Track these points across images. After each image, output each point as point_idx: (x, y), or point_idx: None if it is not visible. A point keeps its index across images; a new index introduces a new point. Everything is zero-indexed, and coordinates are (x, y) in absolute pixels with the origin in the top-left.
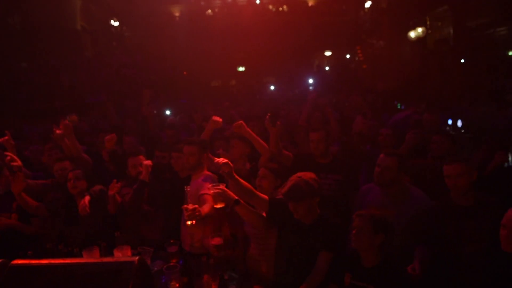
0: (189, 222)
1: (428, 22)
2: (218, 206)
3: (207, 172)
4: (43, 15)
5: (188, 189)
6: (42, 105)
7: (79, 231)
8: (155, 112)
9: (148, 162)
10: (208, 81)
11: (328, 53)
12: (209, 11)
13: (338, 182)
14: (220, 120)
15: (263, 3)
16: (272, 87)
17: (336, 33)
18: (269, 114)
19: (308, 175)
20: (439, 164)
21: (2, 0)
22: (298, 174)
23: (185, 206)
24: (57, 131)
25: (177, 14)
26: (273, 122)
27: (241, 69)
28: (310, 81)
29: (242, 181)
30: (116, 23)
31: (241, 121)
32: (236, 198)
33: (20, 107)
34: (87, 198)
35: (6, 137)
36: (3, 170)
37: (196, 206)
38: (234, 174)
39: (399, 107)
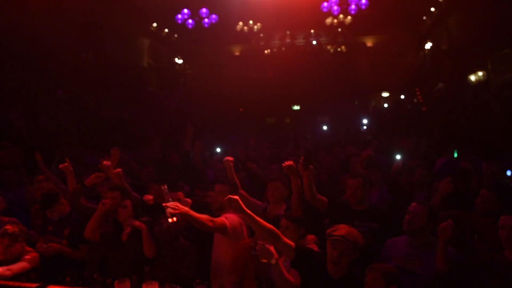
0: (170, 220)
1: (490, 66)
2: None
3: (231, 211)
4: (115, 52)
5: (164, 187)
6: (104, 136)
7: (122, 260)
8: (200, 148)
9: (188, 200)
10: (263, 118)
11: (385, 94)
12: (268, 50)
13: (373, 231)
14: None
15: (320, 43)
16: (324, 127)
17: (394, 74)
18: (302, 157)
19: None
20: (484, 220)
21: (78, 37)
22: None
23: (165, 204)
24: (104, 162)
25: (237, 53)
26: (306, 165)
27: (296, 107)
28: (365, 121)
29: (264, 222)
30: (180, 61)
31: (291, 163)
32: (276, 256)
33: (84, 138)
34: (129, 229)
35: (66, 164)
36: (59, 197)
37: (177, 202)
38: (250, 213)
39: (456, 155)
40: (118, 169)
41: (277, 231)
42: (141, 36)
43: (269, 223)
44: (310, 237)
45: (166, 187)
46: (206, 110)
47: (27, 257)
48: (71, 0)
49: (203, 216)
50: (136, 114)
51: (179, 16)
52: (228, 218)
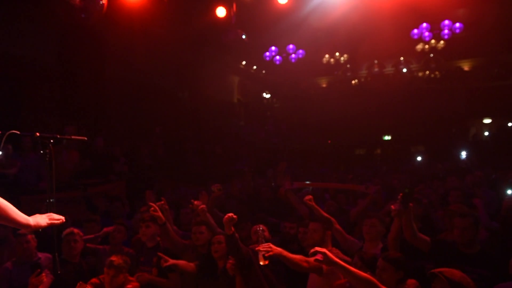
0: (261, 262)
1: None
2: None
3: (332, 249)
4: (208, 90)
5: (259, 228)
6: (197, 170)
7: None
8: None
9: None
10: (352, 149)
11: (487, 121)
12: (355, 81)
13: (485, 279)
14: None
15: (411, 71)
16: (419, 158)
17: (496, 99)
18: (401, 194)
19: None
20: None
21: (175, 78)
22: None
23: (258, 247)
24: (195, 202)
25: (324, 85)
26: (405, 203)
27: (387, 137)
28: (464, 152)
29: (358, 272)
30: (267, 95)
31: (400, 206)
32: None
33: (180, 171)
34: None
35: (162, 202)
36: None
37: (270, 244)
38: (342, 264)
39: None
40: (203, 205)
41: (373, 280)
42: (231, 74)
43: (366, 263)
44: (411, 281)
45: (261, 227)
46: (294, 142)
47: (129, 286)
48: (169, 44)
49: (297, 257)
50: (227, 148)
51: (267, 53)
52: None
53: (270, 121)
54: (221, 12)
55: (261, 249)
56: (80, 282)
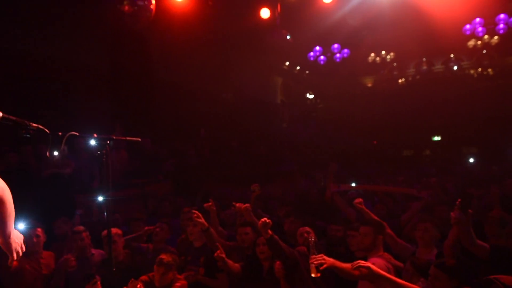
0: (313, 274)
1: None
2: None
3: (383, 254)
4: (251, 91)
5: (311, 238)
6: (241, 171)
7: None
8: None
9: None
10: (399, 150)
11: None
12: (402, 79)
13: None
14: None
15: (462, 68)
16: (471, 159)
17: None
18: (459, 200)
19: None
20: None
21: (219, 79)
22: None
23: (311, 259)
24: (237, 205)
25: (369, 84)
26: (464, 210)
27: (437, 138)
28: None
29: (405, 283)
30: (311, 96)
31: (459, 214)
32: None
33: (225, 173)
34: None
35: (210, 203)
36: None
37: (323, 255)
38: (388, 276)
39: None
40: (247, 204)
41: None
42: (274, 75)
43: (418, 269)
44: None
45: (312, 238)
46: (339, 143)
47: (178, 284)
48: (214, 46)
49: (349, 265)
50: (271, 149)
51: (311, 53)
52: (375, 264)
53: (314, 122)
54: (265, 13)
55: (314, 262)
56: (132, 279)
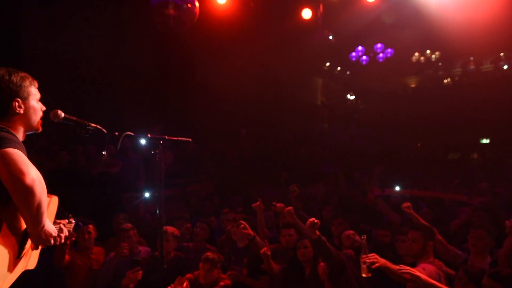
0: (364, 274)
1: None
2: None
3: (434, 260)
4: (291, 92)
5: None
6: (282, 173)
7: None
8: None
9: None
10: (444, 153)
11: None
12: (448, 80)
13: None
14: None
15: None
16: None
17: None
18: None
19: None
20: None
21: (259, 81)
22: None
23: (364, 256)
24: (278, 205)
25: (413, 85)
26: None
27: (485, 141)
28: None
29: None
30: (352, 97)
31: None
32: None
33: (265, 174)
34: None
35: (258, 203)
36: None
37: (375, 254)
38: (436, 284)
39: None
40: (290, 207)
41: None
42: (315, 76)
43: (471, 278)
44: None
45: (365, 237)
46: (382, 145)
47: (222, 283)
48: (254, 48)
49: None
50: (312, 151)
51: (353, 53)
52: (426, 270)
53: (355, 124)
54: (306, 14)
55: (367, 260)
56: (179, 277)
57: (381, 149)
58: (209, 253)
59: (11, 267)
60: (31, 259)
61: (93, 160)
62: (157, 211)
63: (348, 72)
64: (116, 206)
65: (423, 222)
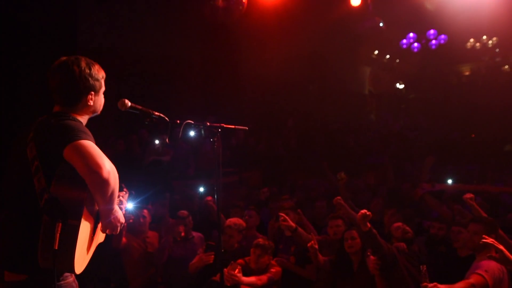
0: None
1: None
2: None
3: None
4: (337, 82)
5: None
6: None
7: None
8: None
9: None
10: (500, 145)
11: None
12: (506, 67)
13: None
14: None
15: None
16: None
17: None
18: None
19: None
20: None
21: (306, 71)
22: None
23: (424, 284)
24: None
25: (467, 73)
26: None
27: None
28: None
29: None
30: (401, 86)
31: None
32: None
33: (312, 163)
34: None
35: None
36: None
37: (436, 284)
38: None
39: None
40: (337, 197)
41: None
42: (362, 65)
43: None
44: None
45: (425, 267)
46: (433, 136)
47: (273, 270)
48: (301, 38)
49: (461, 285)
50: (359, 141)
51: (404, 41)
52: (489, 272)
53: (404, 113)
54: (355, 0)
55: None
56: (232, 262)
57: (432, 140)
58: (260, 239)
59: (89, 245)
60: (101, 235)
61: (146, 149)
62: (215, 198)
63: (397, 60)
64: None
65: (484, 214)
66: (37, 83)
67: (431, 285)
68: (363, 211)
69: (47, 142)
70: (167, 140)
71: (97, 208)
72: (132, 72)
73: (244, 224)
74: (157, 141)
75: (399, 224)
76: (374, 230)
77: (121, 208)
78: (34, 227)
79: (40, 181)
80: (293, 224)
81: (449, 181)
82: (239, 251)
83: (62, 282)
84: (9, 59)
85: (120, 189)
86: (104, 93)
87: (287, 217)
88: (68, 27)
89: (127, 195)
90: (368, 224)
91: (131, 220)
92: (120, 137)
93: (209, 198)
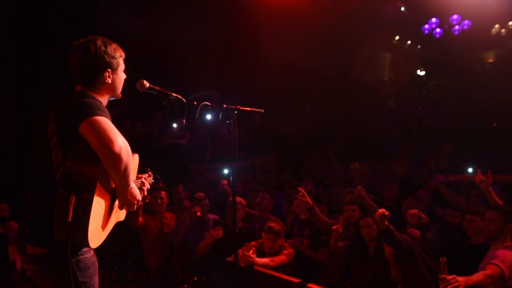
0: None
1: None
2: None
3: (510, 244)
4: (356, 69)
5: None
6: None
7: (367, 274)
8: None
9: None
10: None
11: None
12: None
13: None
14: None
15: None
16: None
17: None
18: None
19: None
20: None
21: (324, 57)
22: None
23: (443, 276)
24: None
25: (491, 60)
26: None
27: None
28: None
29: None
30: (422, 73)
31: None
32: None
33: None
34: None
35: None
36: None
37: (455, 276)
38: None
39: None
40: (359, 187)
41: None
42: (382, 51)
43: None
44: None
45: (445, 259)
46: (454, 124)
47: (286, 252)
48: (320, 23)
49: (479, 276)
50: (378, 128)
51: (426, 26)
52: (505, 262)
53: (425, 101)
54: None
55: (448, 286)
56: (246, 243)
57: (452, 128)
58: (272, 224)
59: (105, 221)
60: (120, 213)
61: (164, 132)
62: (231, 181)
63: (419, 46)
64: (184, 176)
65: (500, 202)
66: (59, 66)
67: (450, 277)
68: (381, 210)
69: (65, 119)
70: (184, 121)
71: (113, 185)
72: (150, 56)
73: (244, 202)
74: (174, 125)
75: (415, 211)
76: (392, 227)
77: (142, 190)
78: (52, 202)
79: (57, 156)
80: (310, 201)
81: (469, 170)
82: (251, 231)
83: (80, 257)
84: (31, 44)
85: (144, 171)
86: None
87: (305, 193)
88: (88, 11)
89: (150, 178)
90: (386, 222)
91: (147, 200)
92: (138, 121)
93: (224, 181)
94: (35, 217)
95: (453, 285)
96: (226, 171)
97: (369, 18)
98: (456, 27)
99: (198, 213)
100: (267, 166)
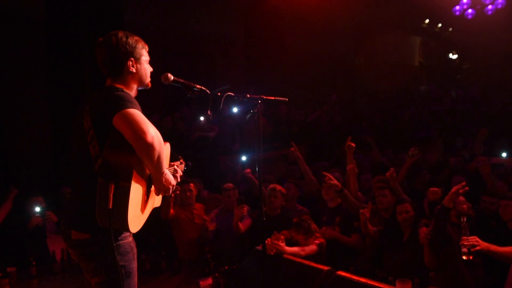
0: (465, 257)
1: None
2: None
3: None
4: (385, 54)
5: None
6: (375, 137)
7: (400, 260)
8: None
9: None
10: None
11: None
12: None
13: None
14: None
15: None
16: None
17: None
18: None
19: None
20: None
21: (351, 44)
22: None
23: (462, 240)
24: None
25: None
26: None
27: None
28: None
29: None
30: (454, 56)
31: None
32: None
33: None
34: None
35: (351, 166)
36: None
37: (476, 237)
38: None
39: None
40: (391, 169)
41: None
42: (412, 35)
43: None
44: None
45: (465, 219)
46: (489, 109)
47: (316, 241)
48: (346, 10)
49: (507, 249)
50: (410, 114)
51: (457, 7)
52: None
53: (458, 85)
54: None
55: (466, 243)
56: (275, 232)
57: (487, 113)
58: (302, 221)
59: (143, 206)
60: (156, 199)
61: (192, 125)
62: (257, 171)
63: (450, 29)
64: (213, 169)
65: None
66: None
67: (471, 238)
68: (459, 186)
69: (99, 113)
70: (209, 112)
71: (148, 172)
72: (177, 50)
73: (284, 191)
74: (202, 118)
75: (463, 198)
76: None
77: (175, 176)
78: (93, 191)
79: (95, 148)
80: (338, 184)
81: (504, 155)
82: (282, 218)
83: (120, 242)
84: (61, 41)
85: (176, 159)
86: (150, 72)
87: (331, 177)
88: (114, 7)
89: (182, 165)
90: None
91: (177, 192)
92: (167, 115)
93: (248, 170)
94: (79, 206)
95: (471, 242)
96: (244, 158)
97: (396, 1)
98: (489, 6)
99: (211, 227)
100: (290, 157)
